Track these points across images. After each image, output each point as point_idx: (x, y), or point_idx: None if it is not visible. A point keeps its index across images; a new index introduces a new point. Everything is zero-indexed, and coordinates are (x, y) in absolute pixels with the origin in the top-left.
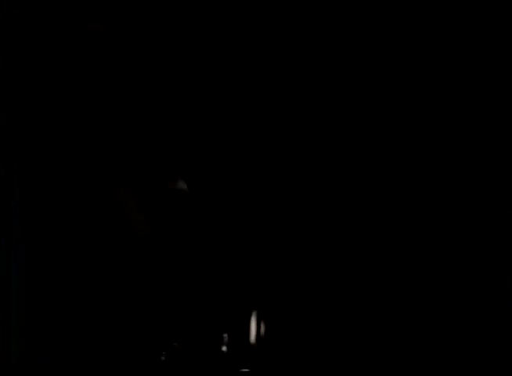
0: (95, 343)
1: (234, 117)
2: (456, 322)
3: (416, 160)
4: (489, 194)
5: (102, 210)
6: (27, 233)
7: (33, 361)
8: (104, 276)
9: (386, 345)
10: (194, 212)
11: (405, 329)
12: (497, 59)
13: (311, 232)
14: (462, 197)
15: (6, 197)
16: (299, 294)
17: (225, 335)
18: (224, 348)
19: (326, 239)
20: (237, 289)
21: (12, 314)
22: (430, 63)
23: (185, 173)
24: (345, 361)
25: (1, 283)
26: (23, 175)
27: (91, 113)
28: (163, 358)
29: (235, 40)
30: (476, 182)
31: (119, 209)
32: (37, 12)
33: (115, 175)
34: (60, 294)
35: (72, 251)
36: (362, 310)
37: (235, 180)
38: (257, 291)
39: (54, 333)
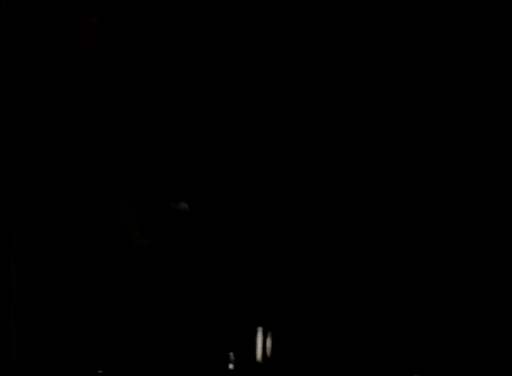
0: (96, 346)
1: (234, 130)
2: (457, 321)
3: (416, 159)
4: (489, 194)
5: (101, 212)
6: (26, 233)
7: (33, 365)
8: (104, 278)
9: (394, 356)
10: (194, 226)
11: (411, 333)
12: (497, 59)
13: (317, 245)
14: (462, 196)
15: (6, 196)
16: (306, 310)
17: (231, 353)
18: (231, 367)
19: (333, 250)
20: (242, 305)
21: (12, 314)
22: (429, 62)
23: (184, 186)
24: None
25: (1, 283)
26: (23, 175)
27: (93, 114)
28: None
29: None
30: (476, 182)
31: (117, 215)
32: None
33: (114, 188)
34: (61, 295)
35: (72, 251)
36: (371, 323)
37: (234, 189)
38: (263, 308)
39: (55, 336)
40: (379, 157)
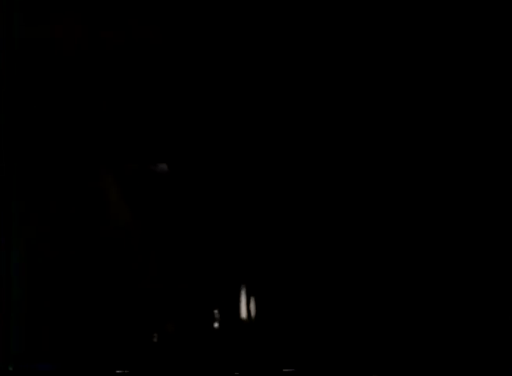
0: (95, 344)
1: (219, 101)
2: (457, 321)
3: (416, 159)
4: (490, 194)
5: (94, 204)
6: (27, 233)
7: (33, 368)
8: (103, 274)
9: (384, 324)
10: (178, 196)
11: (404, 325)
12: (497, 59)
13: (308, 205)
14: (462, 196)
15: (6, 196)
16: (291, 266)
17: (216, 311)
18: (215, 326)
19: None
20: (226, 263)
21: (13, 314)
22: (429, 62)
23: (169, 158)
24: (342, 336)
25: (1, 284)
26: (23, 175)
27: (82, 110)
28: (154, 340)
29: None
30: (476, 181)
31: (104, 200)
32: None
33: (99, 163)
34: (62, 295)
35: (72, 250)
36: (360, 291)
37: (222, 165)
38: (247, 265)
39: (55, 337)
40: (378, 155)
